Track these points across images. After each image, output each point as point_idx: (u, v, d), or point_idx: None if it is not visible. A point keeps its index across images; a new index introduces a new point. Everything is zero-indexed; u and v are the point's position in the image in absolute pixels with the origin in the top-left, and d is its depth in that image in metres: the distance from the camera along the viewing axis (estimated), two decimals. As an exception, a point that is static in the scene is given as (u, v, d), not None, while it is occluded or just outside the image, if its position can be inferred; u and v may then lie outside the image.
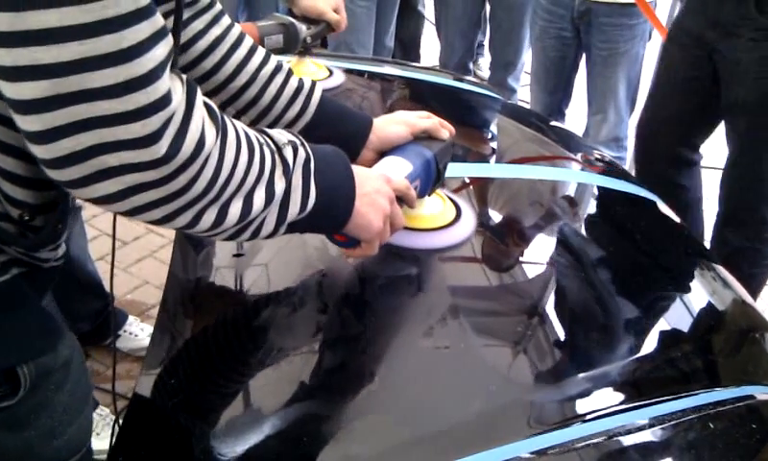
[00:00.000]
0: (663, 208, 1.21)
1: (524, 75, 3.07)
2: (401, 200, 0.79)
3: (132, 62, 0.48)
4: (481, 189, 1.17)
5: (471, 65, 3.19)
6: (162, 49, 0.50)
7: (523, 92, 3.11)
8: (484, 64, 3.27)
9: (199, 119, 0.54)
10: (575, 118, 2.83)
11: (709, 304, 0.98)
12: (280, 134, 0.66)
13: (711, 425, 0.70)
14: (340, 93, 1.40)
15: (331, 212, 0.70)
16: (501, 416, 0.69)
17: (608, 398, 0.74)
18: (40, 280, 0.69)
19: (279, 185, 0.63)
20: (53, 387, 0.71)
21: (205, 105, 0.56)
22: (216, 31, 0.83)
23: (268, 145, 0.63)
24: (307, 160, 0.66)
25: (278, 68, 0.86)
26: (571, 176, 1.28)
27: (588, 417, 0.69)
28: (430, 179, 0.87)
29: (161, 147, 0.51)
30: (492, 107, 1.59)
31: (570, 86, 2.61)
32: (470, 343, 0.77)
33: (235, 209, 0.59)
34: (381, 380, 0.71)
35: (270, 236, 0.66)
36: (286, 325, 0.78)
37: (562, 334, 0.83)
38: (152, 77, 0.49)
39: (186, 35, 0.80)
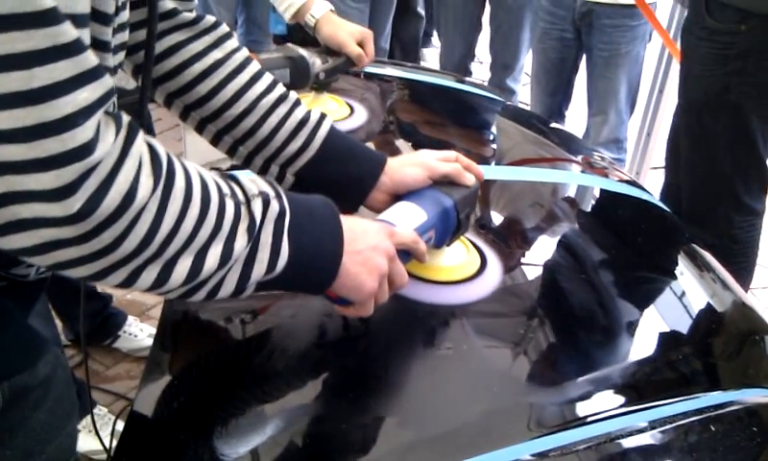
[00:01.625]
0: (663, 210, 1.21)
1: (524, 76, 3.07)
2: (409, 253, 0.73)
3: (43, 105, 0.43)
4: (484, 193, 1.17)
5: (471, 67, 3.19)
6: (88, 93, 0.45)
7: (523, 93, 3.11)
8: (474, 67, 3.27)
9: (131, 170, 0.48)
10: (575, 120, 2.83)
11: (709, 307, 0.98)
12: (252, 184, 0.60)
13: (712, 428, 0.70)
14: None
15: (311, 273, 0.64)
16: (502, 418, 0.68)
17: (609, 400, 0.74)
18: (23, 295, 0.66)
19: (240, 242, 0.57)
20: (30, 405, 0.67)
21: (151, 151, 0.51)
22: (216, 54, 0.78)
23: (233, 197, 0.58)
24: (281, 215, 0.60)
25: (283, 98, 0.80)
26: (572, 178, 1.28)
27: (589, 419, 0.69)
28: (448, 229, 0.79)
29: (76, 202, 0.45)
30: (492, 108, 1.58)
31: (570, 88, 2.61)
32: (471, 345, 0.77)
33: (183, 268, 0.54)
34: (383, 388, 0.70)
35: (235, 296, 0.60)
36: (289, 333, 0.77)
37: (562, 337, 0.83)
38: (68, 123, 0.44)
39: (181, 57, 0.77)
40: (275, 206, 0.60)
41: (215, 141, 0.81)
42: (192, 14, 0.78)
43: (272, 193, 0.61)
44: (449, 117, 1.49)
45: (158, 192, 0.51)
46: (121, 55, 0.66)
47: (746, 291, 1.86)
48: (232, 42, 0.80)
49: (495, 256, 0.89)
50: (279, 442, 0.63)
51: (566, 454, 0.64)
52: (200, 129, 0.81)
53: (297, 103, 0.81)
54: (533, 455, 0.63)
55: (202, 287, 0.57)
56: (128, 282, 0.52)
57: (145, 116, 0.65)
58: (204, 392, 0.69)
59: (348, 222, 0.66)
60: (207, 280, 0.56)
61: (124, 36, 0.65)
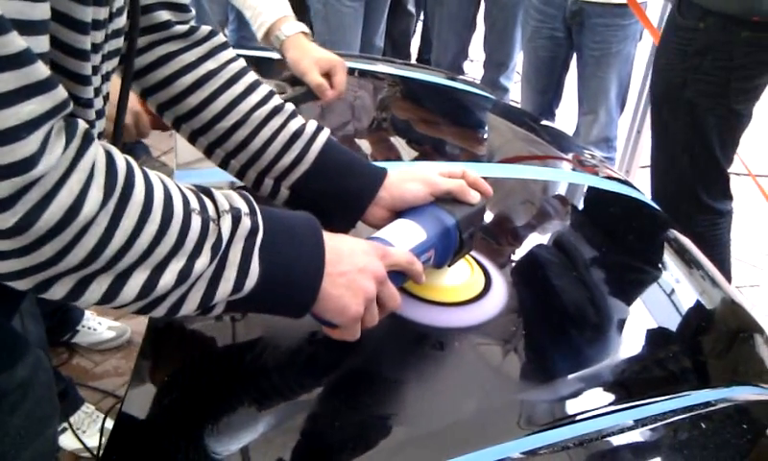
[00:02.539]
0: (653, 207, 1.21)
1: (515, 75, 3.08)
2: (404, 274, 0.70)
3: None
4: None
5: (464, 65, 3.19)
6: (35, 106, 0.44)
7: (514, 92, 3.11)
8: (466, 66, 3.28)
9: (77, 184, 0.46)
10: (565, 118, 2.84)
11: (699, 304, 0.98)
12: (225, 200, 0.58)
13: (702, 426, 0.70)
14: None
15: (286, 294, 0.61)
16: (492, 416, 0.68)
17: (598, 398, 0.74)
18: (3, 297, 0.64)
19: (202, 260, 0.54)
20: (6, 409, 0.67)
21: (109, 163, 0.50)
22: (210, 65, 0.76)
23: (202, 212, 0.55)
24: (252, 233, 0.58)
25: (277, 110, 0.78)
26: (563, 176, 1.28)
27: (579, 417, 0.69)
28: (449, 249, 0.75)
29: (13, 216, 0.44)
30: (483, 106, 1.58)
31: (561, 86, 2.62)
32: (463, 344, 0.76)
33: (136, 283, 0.52)
34: (377, 400, 0.69)
35: (203, 314, 0.59)
36: (282, 331, 0.76)
37: (551, 335, 0.83)
38: (9, 137, 0.43)
39: (172, 67, 0.75)
40: (245, 224, 0.57)
41: (208, 154, 0.80)
42: (185, 27, 0.76)
43: (245, 209, 0.58)
44: (440, 115, 1.49)
45: (110, 206, 0.49)
46: (115, 61, 0.65)
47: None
48: (228, 53, 0.78)
49: (500, 275, 0.85)
50: (271, 439, 0.63)
51: (556, 452, 0.64)
52: (192, 140, 0.80)
53: (292, 115, 0.78)
54: (522, 453, 0.63)
55: (159, 303, 0.55)
56: (74, 295, 0.51)
57: (121, 124, 0.64)
58: (194, 389, 0.68)
59: (333, 242, 0.63)
60: (165, 297, 0.54)
61: (118, 43, 0.64)
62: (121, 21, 0.63)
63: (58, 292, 0.50)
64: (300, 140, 0.77)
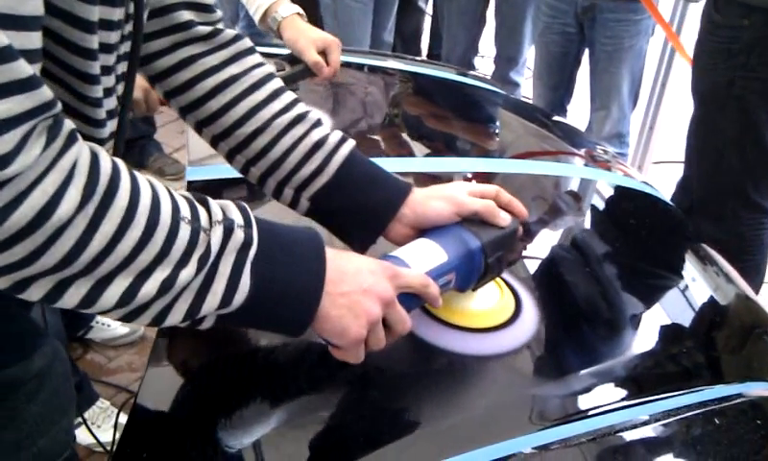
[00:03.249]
0: (667, 204, 1.21)
1: (526, 70, 3.07)
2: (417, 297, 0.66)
3: None
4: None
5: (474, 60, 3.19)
6: (12, 105, 0.43)
7: (525, 87, 3.10)
8: (477, 61, 3.28)
9: (52, 185, 0.45)
10: (577, 114, 2.83)
11: (713, 300, 0.98)
12: (220, 210, 0.56)
13: (716, 421, 0.70)
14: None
15: (279, 312, 0.59)
16: (505, 411, 0.68)
17: (612, 394, 0.74)
18: None
19: (187, 271, 0.52)
20: (23, 398, 0.67)
21: (93, 166, 0.48)
22: (233, 69, 0.74)
23: (194, 222, 0.53)
24: (245, 246, 0.56)
25: (300, 118, 0.75)
26: (576, 172, 1.28)
27: (592, 413, 0.69)
28: (473, 273, 0.72)
29: None
30: (495, 102, 1.58)
31: (573, 82, 2.61)
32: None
33: (117, 289, 0.51)
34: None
35: (193, 327, 0.57)
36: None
37: (565, 330, 0.83)
38: None
39: (193, 71, 0.73)
40: (238, 236, 0.55)
41: (229, 159, 0.78)
42: (209, 28, 0.74)
43: (239, 221, 0.56)
44: (452, 110, 1.49)
45: (89, 209, 0.47)
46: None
47: (756, 292, 1.85)
48: (253, 58, 0.76)
49: (531, 300, 0.81)
50: (284, 434, 0.64)
51: (569, 447, 0.64)
52: (214, 145, 0.78)
53: (316, 124, 0.76)
54: (535, 448, 0.63)
55: (142, 312, 0.53)
56: (51, 297, 0.49)
57: (125, 124, 0.63)
58: (207, 385, 0.69)
59: (338, 260, 0.61)
60: (148, 306, 0.53)
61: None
62: (138, 23, 0.63)
63: (35, 293, 0.49)
64: (322, 151, 0.74)
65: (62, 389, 0.74)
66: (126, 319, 0.53)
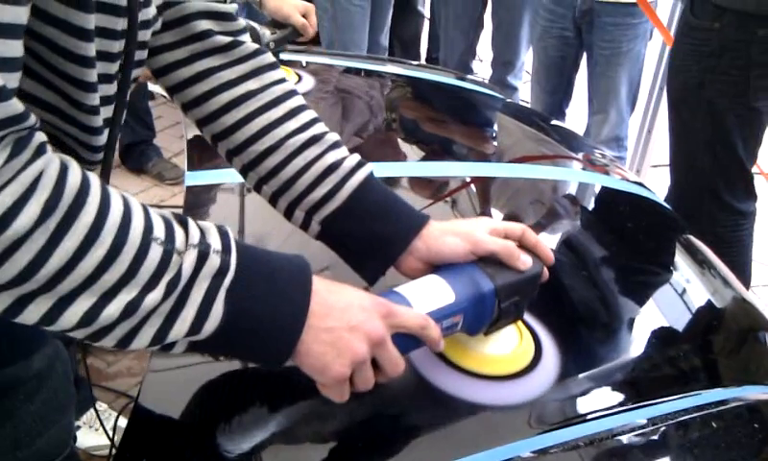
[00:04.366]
0: (665, 207, 1.21)
1: (524, 74, 3.08)
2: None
3: None
4: (485, 190, 1.17)
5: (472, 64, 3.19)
6: None
7: (523, 91, 3.11)
8: (475, 65, 3.29)
9: (10, 197, 0.44)
10: (576, 118, 2.83)
11: (710, 304, 0.98)
12: (197, 233, 0.54)
13: (714, 425, 0.70)
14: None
15: (255, 343, 0.56)
16: (504, 415, 0.68)
17: (610, 397, 0.74)
18: None
19: (154, 295, 0.50)
20: (22, 397, 0.67)
21: (59, 180, 0.46)
22: (251, 85, 0.72)
23: (168, 243, 0.51)
24: (220, 273, 0.53)
25: (316, 139, 0.72)
26: (574, 176, 1.28)
27: (590, 416, 0.69)
28: (484, 317, 0.67)
29: None
30: (493, 105, 1.58)
31: (571, 86, 2.62)
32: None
33: (79, 309, 0.49)
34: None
35: (162, 351, 0.55)
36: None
37: (563, 334, 0.83)
38: None
39: (210, 84, 0.71)
40: (213, 262, 0.53)
41: (243, 176, 0.75)
42: (228, 39, 0.72)
43: (216, 246, 0.53)
44: (450, 114, 1.49)
45: (50, 223, 0.46)
46: (138, 70, 0.65)
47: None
48: (274, 74, 0.74)
49: (552, 346, 0.76)
50: (284, 439, 0.64)
51: (567, 451, 0.64)
52: (228, 160, 0.76)
53: (333, 146, 0.72)
54: (533, 452, 0.63)
55: (106, 334, 0.51)
56: (11, 313, 0.48)
57: (116, 132, 0.61)
58: (207, 390, 0.69)
59: (327, 293, 0.58)
60: (112, 328, 0.50)
61: (142, 54, 0.64)
62: (147, 34, 0.63)
63: None
64: (335, 174, 0.71)
65: (63, 389, 0.74)
66: (90, 339, 0.51)
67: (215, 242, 0.54)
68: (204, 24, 0.70)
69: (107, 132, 0.62)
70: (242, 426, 0.63)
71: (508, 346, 0.72)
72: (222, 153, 0.75)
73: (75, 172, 0.48)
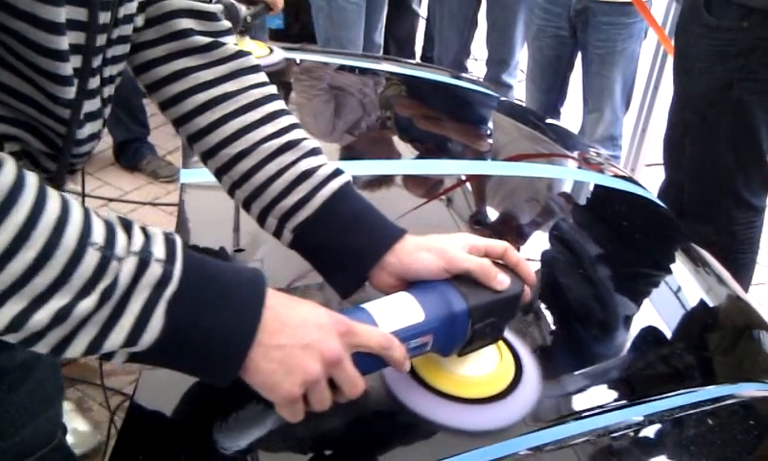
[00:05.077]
0: (659, 206, 1.21)
1: (519, 73, 3.08)
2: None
3: None
4: (480, 189, 1.17)
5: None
6: None
7: (517, 90, 3.12)
8: (469, 64, 3.29)
9: None
10: (570, 117, 2.84)
11: (706, 301, 0.98)
12: (141, 239, 0.51)
13: (709, 422, 0.70)
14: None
15: (199, 358, 0.53)
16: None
17: (605, 395, 0.74)
18: None
19: (87, 303, 0.48)
20: (5, 387, 0.67)
21: None
22: (229, 86, 0.70)
23: (105, 249, 0.49)
24: (161, 284, 0.50)
25: (291, 145, 0.70)
26: (569, 174, 1.28)
27: (586, 414, 0.69)
28: (456, 338, 0.64)
29: None
30: (488, 104, 1.59)
31: (566, 85, 2.62)
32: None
33: (8, 312, 0.46)
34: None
35: (105, 359, 0.52)
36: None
37: (558, 332, 0.83)
38: None
39: (186, 83, 0.70)
40: (154, 271, 0.50)
41: (218, 179, 0.74)
42: (207, 39, 0.70)
43: (159, 255, 0.51)
44: (445, 113, 1.50)
45: None
46: (121, 65, 0.65)
47: (746, 290, 1.87)
48: (254, 77, 0.72)
49: (534, 367, 0.72)
50: (280, 436, 0.63)
51: (563, 448, 0.64)
52: (204, 162, 0.74)
53: (309, 153, 0.70)
54: (529, 449, 0.63)
55: (38, 340, 0.49)
56: None
57: (73, 132, 0.59)
58: (203, 386, 0.69)
59: (282, 309, 0.56)
60: (42, 335, 0.48)
61: (124, 49, 0.64)
62: (128, 28, 0.63)
63: None
64: (308, 182, 0.69)
65: (49, 380, 0.74)
66: (22, 345, 0.49)
67: (159, 250, 0.51)
68: (185, 23, 0.69)
69: (88, 125, 0.61)
70: (238, 424, 0.63)
71: (485, 367, 0.68)
72: (197, 154, 0.74)
73: (8, 170, 0.46)
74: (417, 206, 1.03)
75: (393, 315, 0.61)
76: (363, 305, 0.62)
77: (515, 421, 0.66)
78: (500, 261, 0.67)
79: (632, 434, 0.68)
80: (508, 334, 0.73)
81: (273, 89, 0.73)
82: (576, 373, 0.76)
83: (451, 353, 0.66)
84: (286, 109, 0.72)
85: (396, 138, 1.36)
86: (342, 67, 1.66)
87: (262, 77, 0.73)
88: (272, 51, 1.51)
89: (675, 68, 1.84)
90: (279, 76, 1.49)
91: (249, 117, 0.70)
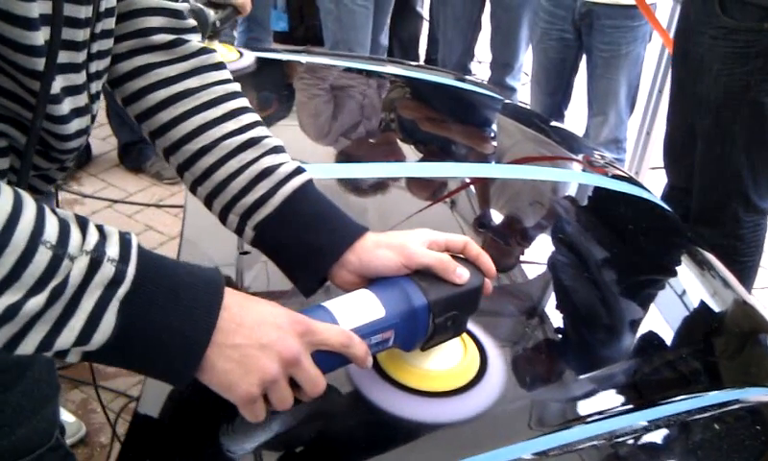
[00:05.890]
0: (664, 209, 1.21)
1: (523, 76, 3.08)
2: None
3: None
4: (484, 192, 1.17)
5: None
6: None
7: (522, 93, 3.11)
8: (473, 67, 3.29)
9: None
10: (575, 120, 2.84)
11: (711, 305, 0.98)
12: (96, 238, 0.51)
13: (715, 427, 0.70)
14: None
15: (154, 358, 0.53)
16: (504, 417, 0.68)
17: (611, 399, 0.74)
18: None
19: (36, 300, 0.48)
20: (0, 387, 0.67)
21: None
22: (191, 83, 0.70)
23: (58, 247, 0.48)
24: (113, 283, 0.50)
25: (252, 143, 0.70)
26: (573, 177, 1.28)
27: (591, 418, 0.69)
28: (417, 334, 0.64)
29: None
30: (492, 106, 1.58)
31: (570, 88, 2.62)
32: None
33: None
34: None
35: (57, 357, 0.52)
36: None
37: (564, 336, 0.83)
38: None
39: (147, 80, 0.70)
40: (106, 271, 0.50)
41: (180, 175, 0.73)
42: (171, 37, 0.70)
43: (112, 255, 0.51)
44: (449, 115, 1.49)
45: None
46: (106, 60, 0.65)
47: (749, 291, 1.86)
48: (218, 74, 0.72)
49: (499, 357, 0.73)
50: (286, 439, 0.63)
51: (568, 453, 0.64)
52: (165, 158, 0.73)
53: (271, 151, 0.70)
54: (534, 454, 0.63)
55: None
56: None
57: (37, 126, 0.58)
58: (208, 389, 0.69)
59: (239, 309, 0.56)
60: None
61: (108, 43, 0.64)
62: (111, 22, 0.62)
63: None
64: (269, 180, 0.69)
65: (46, 379, 0.74)
66: None
67: (112, 250, 0.51)
68: (151, 20, 0.69)
69: (76, 121, 0.60)
70: (244, 426, 0.63)
71: (449, 361, 0.69)
72: (159, 151, 0.73)
73: None
74: (421, 209, 1.03)
75: (353, 312, 0.61)
76: (323, 304, 0.62)
77: (477, 413, 0.66)
78: (461, 255, 0.68)
79: (637, 439, 0.68)
80: (476, 329, 0.74)
81: (236, 87, 0.73)
82: (581, 377, 0.75)
83: (414, 348, 0.66)
84: (249, 106, 0.72)
85: (400, 141, 1.36)
86: (347, 70, 1.66)
87: (225, 74, 0.72)
88: (242, 55, 1.52)
89: (680, 72, 1.84)
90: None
91: (210, 113, 0.69)
